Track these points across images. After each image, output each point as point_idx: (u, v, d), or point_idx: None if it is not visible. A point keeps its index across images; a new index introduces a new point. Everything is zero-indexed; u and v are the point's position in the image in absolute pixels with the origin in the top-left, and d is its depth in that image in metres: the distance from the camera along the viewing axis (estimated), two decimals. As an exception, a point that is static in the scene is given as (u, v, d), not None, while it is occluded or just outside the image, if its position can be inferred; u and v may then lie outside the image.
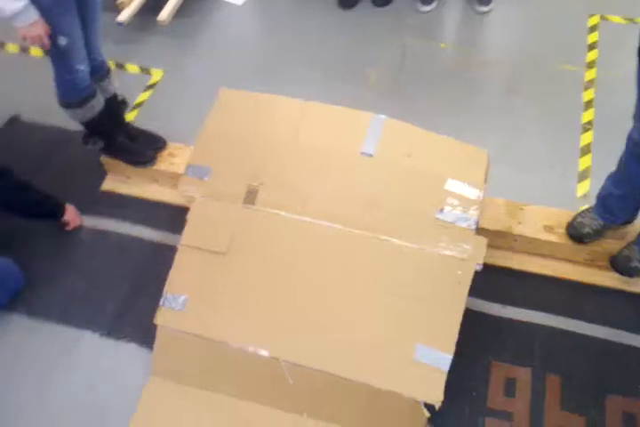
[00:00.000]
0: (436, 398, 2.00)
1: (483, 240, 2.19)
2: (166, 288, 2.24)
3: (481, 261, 2.16)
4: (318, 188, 2.30)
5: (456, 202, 2.24)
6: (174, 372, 2.28)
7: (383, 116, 2.39)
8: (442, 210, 2.22)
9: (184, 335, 2.20)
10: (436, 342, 2.07)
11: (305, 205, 2.27)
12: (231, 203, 2.31)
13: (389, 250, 2.20)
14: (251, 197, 2.30)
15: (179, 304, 2.21)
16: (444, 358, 2.04)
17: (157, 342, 2.26)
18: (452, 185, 2.27)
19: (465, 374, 2.34)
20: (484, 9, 3.80)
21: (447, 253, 2.18)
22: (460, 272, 2.15)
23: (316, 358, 2.10)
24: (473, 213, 2.22)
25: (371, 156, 2.31)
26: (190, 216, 2.31)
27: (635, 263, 2.48)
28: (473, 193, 2.26)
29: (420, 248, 2.19)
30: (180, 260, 2.27)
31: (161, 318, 2.22)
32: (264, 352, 2.13)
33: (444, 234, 2.19)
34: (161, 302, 2.23)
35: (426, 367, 2.04)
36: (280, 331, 2.15)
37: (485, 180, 2.31)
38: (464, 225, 2.20)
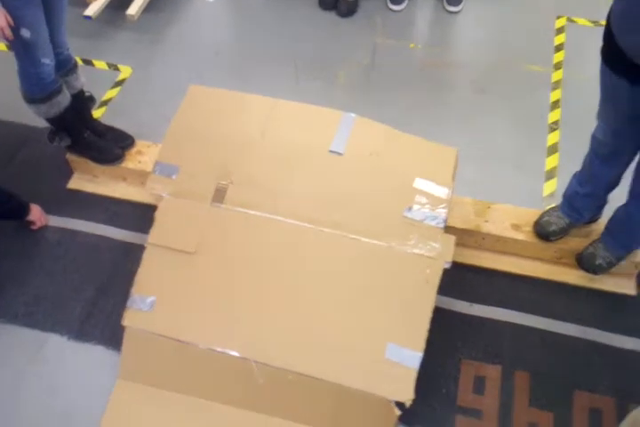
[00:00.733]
0: (407, 395, 2.01)
1: (451, 238, 2.22)
2: (133, 289, 2.21)
3: (449, 260, 2.18)
4: (287, 186, 2.29)
5: (424, 200, 2.25)
6: (143, 374, 2.24)
7: (353, 115, 2.40)
8: (410, 208, 2.23)
9: (152, 337, 2.16)
10: (406, 340, 2.08)
11: (274, 204, 2.27)
12: (199, 202, 2.29)
13: (358, 248, 2.20)
14: (219, 195, 2.29)
15: (146, 305, 2.18)
16: (415, 356, 2.05)
17: (125, 345, 2.22)
18: (421, 184, 2.29)
19: (434, 373, 2.35)
20: (454, 9, 3.82)
21: (416, 251, 2.19)
22: (428, 270, 2.17)
23: (286, 358, 2.09)
24: (441, 212, 2.24)
25: (340, 154, 2.31)
26: (158, 215, 2.29)
27: (599, 260, 2.52)
28: (441, 191, 2.28)
29: (389, 246, 2.20)
30: (147, 260, 2.24)
31: (128, 320, 2.19)
32: (234, 353, 2.11)
33: (413, 232, 2.21)
34: (128, 304, 2.19)
35: (396, 365, 2.04)
36: (250, 331, 2.14)
37: (453, 178, 2.33)
38: (432, 223, 2.22)
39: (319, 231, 2.23)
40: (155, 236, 2.26)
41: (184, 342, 2.14)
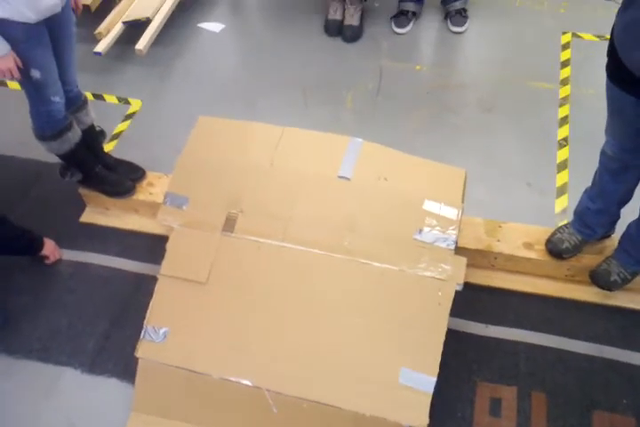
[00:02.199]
0: (421, 421, 1.99)
1: (462, 260, 2.21)
2: (146, 320, 2.22)
3: (461, 281, 2.17)
4: (297, 213, 2.30)
5: (434, 222, 2.25)
6: (156, 406, 2.25)
7: (360, 140, 2.42)
8: (420, 231, 2.24)
9: (165, 368, 2.18)
10: (420, 364, 2.07)
11: (284, 232, 2.28)
12: (210, 231, 2.31)
13: (369, 273, 2.20)
14: (230, 224, 2.31)
15: (159, 336, 2.20)
16: (429, 381, 2.04)
17: (139, 377, 2.23)
18: (430, 206, 2.30)
19: (450, 396, 2.33)
20: (459, 29, 3.85)
21: (427, 274, 2.19)
22: (440, 293, 2.16)
23: (300, 386, 2.09)
24: (451, 233, 2.24)
25: (348, 179, 2.34)
26: (169, 245, 2.31)
27: (614, 277, 2.49)
28: (451, 213, 2.28)
29: (400, 270, 2.20)
30: (159, 290, 2.27)
31: (141, 351, 2.20)
32: (247, 382, 2.11)
33: (424, 255, 2.21)
34: (141, 335, 2.21)
35: (410, 391, 2.03)
36: (263, 360, 2.13)
37: (463, 199, 2.33)
38: (443, 245, 2.22)
39: (330, 258, 2.23)
40: (166, 267, 2.28)
41: (197, 373, 2.15)
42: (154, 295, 2.26)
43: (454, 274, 2.18)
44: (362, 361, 2.10)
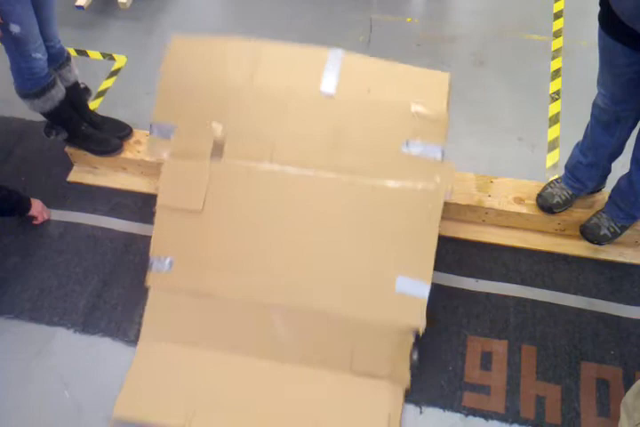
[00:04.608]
0: (419, 323, 2.11)
1: (451, 168, 2.20)
2: (151, 251, 2.29)
3: (449, 190, 2.18)
4: (283, 133, 2.27)
5: (421, 131, 2.21)
6: (165, 332, 2.33)
7: (340, 50, 2.32)
8: (407, 143, 2.20)
9: (174, 295, 2.29)
10: (414, 272, 2.15)
11: (272, 153, 2.26)
12: (200, 160, 2.29)
13: (359, 189, 2.22)
14: (218, 149, 2.29)
15: (165, 266, 2.28)
16: (423, 287, 2.13)
17: (148, 306, 2.32)
18: (416, 111, 2.23)
19: (441, 350, 2.35)
20: None
21: (416, 186, 2.19)
22: (430, 204, 2.18)
23: (301, 298, 2.19)
24: (438, 142, 2.20)
25: (331, 95, 2.26)
26: (163, 178, 2.33)
27: (604, 231, 2.49)
28: (437, 116, 2.21)
29: (390, 184, 2.21)
30: (159, 221, 2.32)
31: (151, 281, 2.29)
32: (251, 300, 2.21)
33: (412, 167, 2.20)
34: (148, 267, 2.29)
35: (406, 297, 2.13)
36: (265, 278, 2.21)
37: (449, 102, 2.25)
38: (430, 156, 2.20)
39: (319, 176, 2.23)
40: (163, 198, 2.32)
41: (205, 296, 2.25)
42: (154, 226, 2.31)
43: (443, 184, 2.18)
44: (359, 272, 2.18)
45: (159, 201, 2.31)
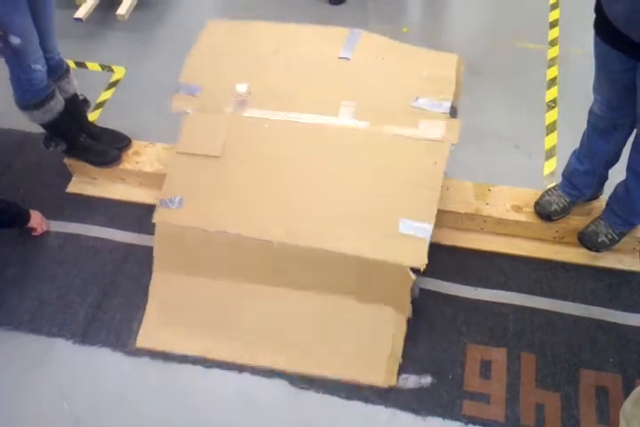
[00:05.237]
0: (421, 262, 2.19)
1: (456, 123, 2.38)
2: (162, 194, 2.41)
3: (455, 142, 2.34)
4: (302, 91, 2.50)
5: (430, 89, 2.43)
6: (176, 264, 2.46)
7: (359, 30, 2.60)
8: (417, 99, 2.41)
9: (183, 229, 2.38)
10: (418, 215, 2.27)
11: (290, 105, 2.47)
12: (222, 112, 2.49)
13: (369, 138, 2.39)
14: (240, 105, 2.49)
15: (175, 203, 2.39)
16: (426, 228, 2.23)
17: (157, 239, 2.43)
18: (426, 76, 2.48)
19: (440, 359, 2.36)
20: None
21: (424, 136, 2.36)
22: (436, 153, 2.33)
23: (308, 238, 2.28)
24: (446, 98, 2.41)
25: (348, 59, 2.53)
26: (184, 128, 2.49)
27: (602, 238, 2.50)
28: (446, 79, 2.46)
29: (398, 132, 2.38)
30: (173, 166, 2.47)
31: (158, 217, 2.39)
32: (259, 236, 2.30)
33: (420, 119, 2.38)
34: (157, 204, 2.40)
35: (409, 237, 2.23)
36: (274, 217, 2.32)
37: (459, 82, 2.49)
38: (438, 110, 2.39)
39: (333, 126, 2.41)
40: (181, 146, 2.46)
41: (212, 231, 2.34)
42: (168, 172, 2.46)
43: (449, 135, 2.34)
44: (365, 213, 2.30)
45: (177, 149, 2.46)
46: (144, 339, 2.42)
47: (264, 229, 2.30)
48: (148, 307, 2.47)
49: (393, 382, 2.29)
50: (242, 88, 2.48)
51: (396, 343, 2.34)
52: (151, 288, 2.49)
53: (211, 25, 2.72)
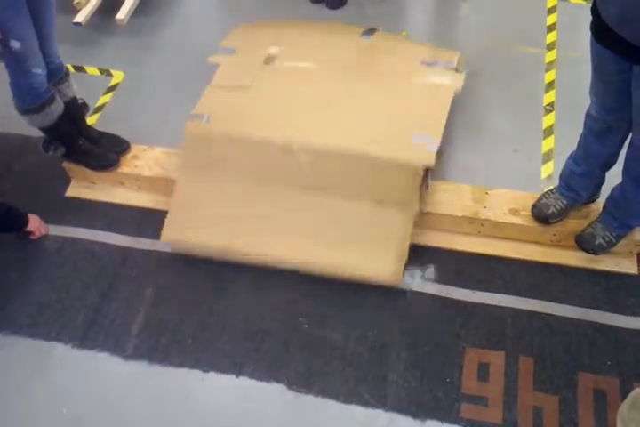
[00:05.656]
0: (429, 161, 2.50)
1: (461, 75, 2.85)
2: (192, 112, 2.72)
3: (459, 89, 2.81)
4: (325, 54, 2.96)
5: (437, 55, 2.96)
6: (200, 168, 2.69)
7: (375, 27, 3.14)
8: (425, 61, 2.90)
9: (209, 136, 2.67)
10: (428, 131, 2.60)
11: (315, 57, 2.93)
12: (254, 63, 2.91)
13: (387, 80, 2.84)
14: (270, 59, 2.94)
15: (204, 119, 2.70)
16: (434, 140, 2.56)
17: (185, 145, 2.70)
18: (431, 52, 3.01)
19: (438, 362, 2.36)
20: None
21: (433, 81, 2.82)
22: (444, 89, 2.78)
23: (329, 140, 2.59)
24: (452, 59, 2.93)
25: (369, 38, 3.04)
26: (219, 70, 2.92)
27: (599, 240, 2.51)
28: (450, 52, 3.01)
29: (412, 79, 2.83)
30: (206, 95, 2.82)
31: (188, 129, 2.69)
32: (281, 139, 2.58)
33: (429, 72, 2.86)
34: (187, 120, 2.70)
35: (420, 146, 2.55)
36: (296, 125, 2.65)
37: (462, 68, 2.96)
38: (446, 65, 2.89)
39: (356, 69, 2.89)
40: (215, 80, 2.87)
41: (235, 136, 2.64)
42: (201, 98, 2.80)
43: (454, 82, 2.82)
44: (382, 125, 2.63)
45: (212, 82, 2.86)
46: (168, 234, 2.63)
47: (286, 134, 2.60)
48: (171, 204, 2.68)
49: (399, 275, 2.49)
50: (273, 49, 2.94)
51: (405, 242, 2.53)
52: (175, 188, 2.69)
53: (240, 27, 3.26)
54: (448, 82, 2.80)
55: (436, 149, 2.52)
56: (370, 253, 2.52)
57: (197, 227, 2.62)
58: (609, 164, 2.43)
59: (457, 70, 2.88)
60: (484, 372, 2.33)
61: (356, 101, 2.73)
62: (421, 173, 2.48)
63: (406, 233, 2.53)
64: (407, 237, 2.53)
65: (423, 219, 2.66)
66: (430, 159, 2.49)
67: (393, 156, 2.51)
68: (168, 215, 2.66)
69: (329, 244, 2.54)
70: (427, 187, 2.62)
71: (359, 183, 2.58)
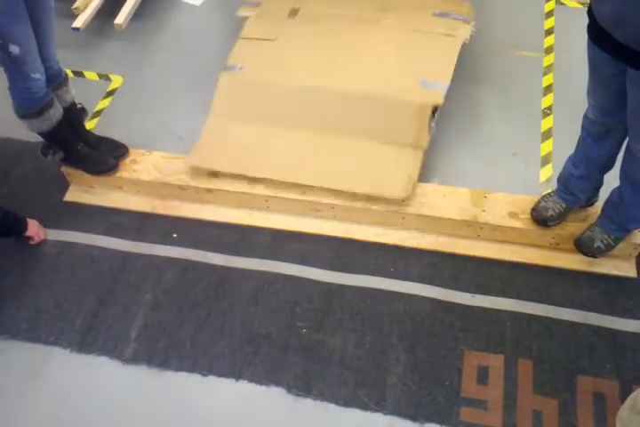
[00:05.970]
0: (438, 101, 2.76)
1: (469, 27, 3.07)
2: (227, 62, 3.01)
3: (467, 40, 3.03)
4: (345, 11, 3.22)
5: (448, 7, 3.17)
6: (233, 111, 2.91)
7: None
8: (436, 12, 3.13)
9: (244, 84, 2.94)
10: (436, 76, 2.85)
11: (335, 13, 3.19)
12: (277, 18, 3.20)
13: (399, 31, 3.08)
14: (293, 12, 3.21)
15: (236, 69, 2.99)
16: (443, 85, 2.81)
17: (217, 90, 2.94)
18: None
19: (437, 365, 2.36)
20: None
21: (442, 32, 3.05)
22: (451, 40, 3.01)
23: (348, 84, 2.86)
24: (462, 11, 3.15)
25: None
26: (247, 23, 3.21)
27: (598, 243, 2.51)
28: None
29: (423, 30, 3.07)
30: (238, 46, 3.09)
31: (221, 79, 2.95)
32: (308, 84, 2.87)
33: (440, 23, 3.09)
34: (221, 72, 2.96)
35: (428, 90, 2.80)
36: (320, 70, 2.94)
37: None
38: (456, 18, 3.11)
39: (371, 22, 3.13)
40: (244, 33, 3.15)
41: (268, 85, 2.91)
42: (232, 49, 3.08)
43: (461, 34, 3.03)
44: (394, 71, 2.89)
45: (242, 35, 3.13)
46: (196, 157, 2.80)
47: (312, 80, 2.89)
48: (203, 131, 2.87)
49: (409, 192, 2.65)
50: (297, 4, 3.22)
51: (415, 172, 2.70)
52: (205, 126, 2.88)
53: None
54: (457, 33, 3.02)
55: (443, 93, 2.77)
56: (382, 178, 2.70)
57: (219, 156, 2.80)
58: (607, 166, 2.44)
59: (467, 21, 3.09)
60: (483, 375, 2.33)
61: (372, 50, 2.99)
62: (429, 113, 2.72)
63: (415, 165, 2.71)
64: (417, 168, 2.71)
65: (422, 222, 2.67)
66: (438, 98, 2.75)
67: (404, 97, 2.77)
68: (193, 148, 2.83)
69: (344, 173, 2.73)
70: (432, 130, 2.79)
71: (373, 124, 2.80)
